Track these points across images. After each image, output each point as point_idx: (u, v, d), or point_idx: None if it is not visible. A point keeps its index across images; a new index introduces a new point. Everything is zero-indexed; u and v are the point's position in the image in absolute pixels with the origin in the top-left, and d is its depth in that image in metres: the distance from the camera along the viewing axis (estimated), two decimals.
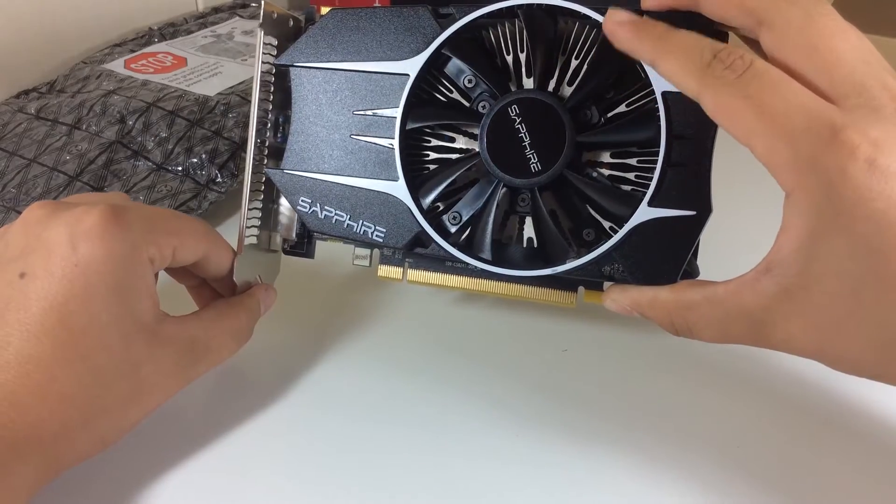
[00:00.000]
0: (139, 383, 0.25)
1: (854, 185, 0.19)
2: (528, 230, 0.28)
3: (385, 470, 0.27)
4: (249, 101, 0.45)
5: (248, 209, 0.29)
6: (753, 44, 0.23)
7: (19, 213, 0.31)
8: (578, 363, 0.33)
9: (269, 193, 0.30)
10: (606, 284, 0.27)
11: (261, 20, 0.28)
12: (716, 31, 0.24)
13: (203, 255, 0.27)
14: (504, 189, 0.27)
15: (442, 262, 0.29)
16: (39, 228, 0.24)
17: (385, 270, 0.30)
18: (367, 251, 0.30)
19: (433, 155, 0.29)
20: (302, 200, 0.28)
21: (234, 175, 0.41)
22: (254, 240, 0.29)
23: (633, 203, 0.25)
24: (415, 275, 0.30)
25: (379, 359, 0.32)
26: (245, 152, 0.29)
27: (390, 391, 0.31)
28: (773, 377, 0.32)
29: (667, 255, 0.25)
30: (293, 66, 0.28)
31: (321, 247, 0.32)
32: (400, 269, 0.30)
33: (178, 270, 0.29)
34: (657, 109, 0.24)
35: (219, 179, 0.41)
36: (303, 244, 0.31)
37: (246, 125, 0.43)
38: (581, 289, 0.28)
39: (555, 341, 0.34)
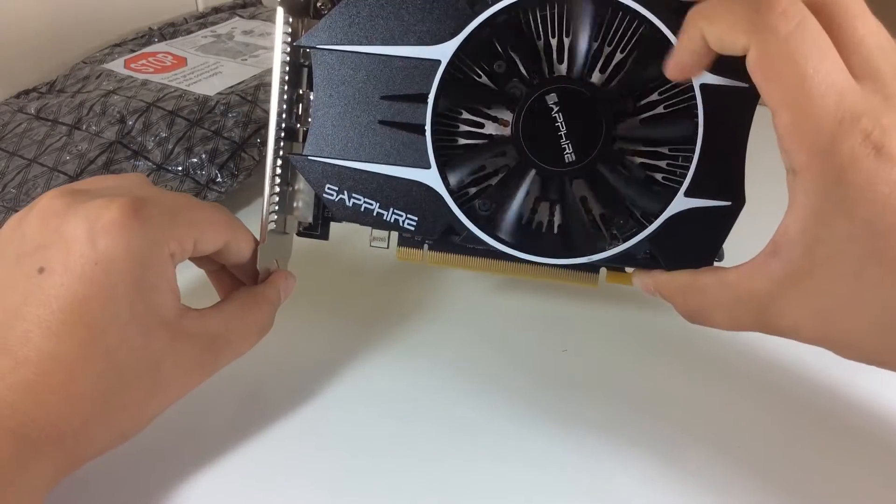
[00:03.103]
0: (160, 379, 0.25)
1: (861, 168, 0.20)
2: (557, 219, 0.28)
3: (381, 466, 0.27)
4: (249, 101, 0.45)
5: (270, 195, 0.28)
6: None
7: None
8: (579, 363, 0.33)
9: (285, 176, 0.29)
10: (632, 273, 0.28)
11: None
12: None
13: (224, 245, 0.27)
14: (536, 176, 0.27)
15: (463, 245, 0.29)
16: (58, 221, 0.23)
17: (404, 252, 0.30)
18: (384, 233, 0.29)
19: (462, 141, 0.28)
20: (328, 188, 0.28)
21: (233, 175, 0.41)
22: (273, 225, 0.29)
23: (664, 198, 0.25)
24: (434, 257, 0.29)
25: (378, 355, 0.32)
26: (266, 139, 0.28)
27: (388, 389, 0.31)
28: (774, 374, 0.32)
29: (701, 245, 0.25)
30: (316, 48, 0.27)
31: (334, 228, 0.31)
32: (420, 252, 0.29)
33: (198, 258, 0.28)
34: (694, 105, 0.25)
35: (219, 179, 0.41)
36: (317, 226, 0.30)
37: (246, 125, 0.42)
38: (603, 270, 0.28)
39: (555, 341, 0.34)
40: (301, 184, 0.30)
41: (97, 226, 0.23)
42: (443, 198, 0.27)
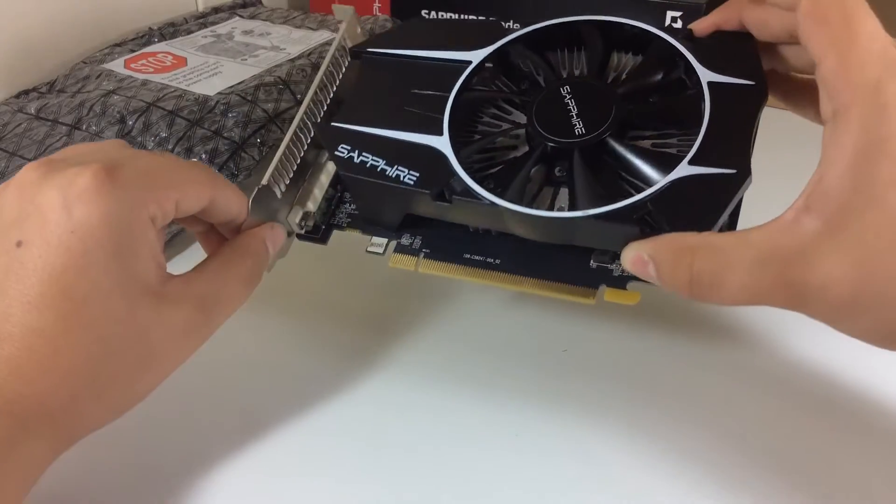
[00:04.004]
0: (150, 349, 0.24)
1: None
2: (560, 201, 0.28)
3: (381, 466, 0.27)
4: (249, 101, 0.45)
5: (284, 151, 0.29)
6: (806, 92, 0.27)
7: None
8: (578, 363, 0.33)
9: (301, 171, 0.30)
10: (630, 284, 0.27)
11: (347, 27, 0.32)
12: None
13: (209, 202, 0.26)
14: (542, 154, 0.28)
15: (459, 255, 0.29)
16: (33, 192, 0.23)
17: (397, 259, 0.30)
18: (383, 240, 0.30)
19: (482, 130, 0.30)
20: (342, 147, 0.29)
21: (234, 175, 0.41)
22: (278, 193, 0.29)
23: (672, 164, 0.26)
24: (428, 265, 0.29)
25: (377, 357, 0.32)
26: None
27: (388, 389, 0.31)
28: (776, 373, 0.32)
29: (703, 209, 0.25)
30: (365, 52, 0.32)
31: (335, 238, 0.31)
32: (413, 259, 0.30)
33: (184, 218, 0.28)
34: (703, 98, 0.26)
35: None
36: (319, 229, 0.31)
37: (246, 125, 0.42)
38: (603, 286, 0.28)
39: (555, 341, 0.34)
40: (317, 189, 0.31)
41: (71, 194, 0.22)
42: (447, 158, 0.28)
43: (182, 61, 0.51)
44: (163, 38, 0.55)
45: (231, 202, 0.27)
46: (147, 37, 0.55)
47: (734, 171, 0.25)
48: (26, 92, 0.49)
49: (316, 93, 0.31)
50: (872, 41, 0.21)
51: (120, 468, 0.27)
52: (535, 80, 0.30)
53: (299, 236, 0.31)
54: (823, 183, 0.21)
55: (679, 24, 0.29)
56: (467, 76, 0.30)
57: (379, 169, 0.28)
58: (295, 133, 0.30)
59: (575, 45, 0.31)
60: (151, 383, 0.25)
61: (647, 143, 0.28)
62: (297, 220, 0.30)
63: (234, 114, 0.43)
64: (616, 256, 0.28)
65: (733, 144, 0.26)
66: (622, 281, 0.27)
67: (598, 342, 0.34)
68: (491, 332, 0.34)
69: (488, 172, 0.29)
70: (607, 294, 0.28)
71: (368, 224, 0.31)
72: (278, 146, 0.29)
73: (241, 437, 0.29)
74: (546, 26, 0.30)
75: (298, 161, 0.30)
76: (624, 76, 0.30)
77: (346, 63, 0.33)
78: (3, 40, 0.49)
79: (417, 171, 0.28)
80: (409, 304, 0.36)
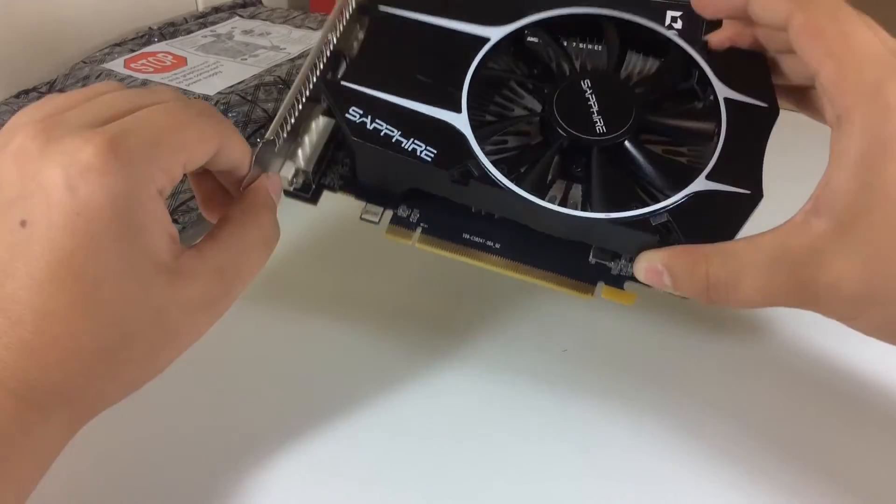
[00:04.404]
0: (166, 327, 0.23)
1: None
2: (573, 197, 0.28)
3: (380, 467, 0.27)
4: (249, 101, 0.45)
5: (288, 107, 0.27)
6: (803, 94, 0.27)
7: None
8: (578, 363, 0.33)
9: (297, 127, 0.28)
10: (627, 284, 0.27)
11: None
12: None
13: (214, 153, 0.25)
14: (561, 148, 0.28)
15: (458, 234, 0.29)
16: (34, 167, 0.22)
17: (394, 231, 0.29)
18: (378, 209, 0.29)
19: (490, 118, 0.30)
20: (353, 109, 0.28)
21: None
22: (280, 141, 0.27)
23: (687, 177, 0.26)
24: (425, 241, 0.29)
25: (374, 352, 0.32)
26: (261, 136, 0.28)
27: (382, 393, 0.31)
28: (777, 373, 0.32)
29: (718, 227, 0.25)
30: (378, 8, 0.30)
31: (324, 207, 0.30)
32: (410, 233, 0.29)
33: None
34: (718, 110, 0.27)
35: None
36: (309, 188, 0.29)
37: (246, 125, 0.42)
38: (601, 284, 0.28)
39: (555, 341, 0.34)
40: (306, 141, 0.29)
41: (74, 171, 0.21)
42: (467, 139, 0.27)
43: (182, 61, 0.51)
44: (163, 37, 0.55)
45: (234, 153, 0.26)
46: (147, 36, 0.55)
47: (749, 192, 0.26)
48: (26, 92, 0.49)
49: (322, 48, 0.29)
50: (869, 46, 0.22)
51: (121, 469, 0.27)
52: (547, 66, 0.30)
53: (288, 193, 0.29)
54: (831, 185, 0.21)
55: (679, 24, 0.29)
56: (485, 55, 0.29)
57: (394, 140, 0.27)
58: (299, 89, 0.28)
59: (588, 37, 0.31)
60: (169, 358, 0.24)
61: (658, 149, 0.28)
62: (290, 177, 0.29)
63: (234, 113, 0.43)
64: (616, 255, 0.28)
65: (747, 165, 0.26)
66: (619, 280, 0.28)
67: (598, 342, 0.34)
68: (491, 332, 0.34)
69: (501, 157, 0.28)
70: (604, 292, 0.28)
71: (365, 191, 0.29)
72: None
73: (248, 435, 0.29)
74: (569, 14, 0.30)
75: (296, 116, 0.28)
76: (636, 77, 0.30)
77: (350, 13, 0.30)
78: (3, 40, 0.49)
79: (435, 148, 0.27)
80: (408, 304, 0.36)
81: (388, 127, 0.27)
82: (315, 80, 0.29)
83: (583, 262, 0.28)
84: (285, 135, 0.28)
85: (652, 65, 0.30)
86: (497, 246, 0.29)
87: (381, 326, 0.34)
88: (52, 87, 0.49)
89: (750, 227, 0.25)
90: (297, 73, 0.29)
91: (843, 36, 0.22)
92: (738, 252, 0.23)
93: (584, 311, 0.35)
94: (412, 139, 0.27)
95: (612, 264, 0.28)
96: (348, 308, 0.35)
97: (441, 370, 0.32)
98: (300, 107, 0.28)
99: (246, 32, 0.57)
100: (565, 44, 0.31)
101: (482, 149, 0.27)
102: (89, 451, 0.24)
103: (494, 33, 0.29)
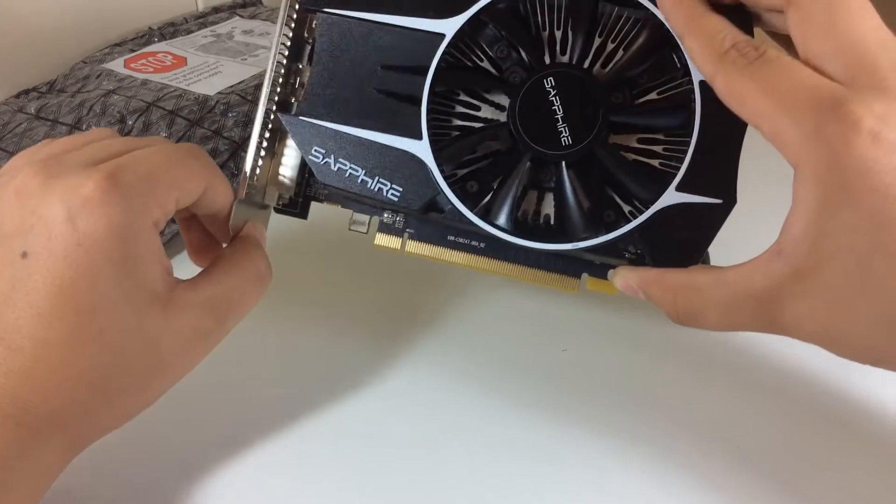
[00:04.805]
0: (159, 357, 0.24)
1: (859, 156, 0.19)
2: (546, 207, 0.28)
3: (379, 467, 0.27)
4: (249, 101, 0.45)
5: (256, 150, 0.27)
6: (783, 40, 0.24)
7: None
8: (578, 363, 0.33)
9: (272, 144, 0.28)
10: (610, 272, 0.27)
11: None
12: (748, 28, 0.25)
13: (203, 192, 0.26)
14: (530, 161, 0.27)
15: (444, 237, 0.29)
16: (35, 202, 0.23)
17: (382, 239, 0.29)
18: (365, 217, 0.29)
19: (457, 122, 0.28)
20: (315, 150, 0.27)
21: (234, 175, 0.41)
22: (253, 187, 0.28)
23: (661, 185, 0.25)
24: (414, 246, 0.29)
25: (372, 351, 0.32)
26: (256, 110, 0.27)
27: (385, 391, 0.31)
28: (776, 373, 0.32)
29: (688, 242, 0.25)
30: (322, 11, 0.27)
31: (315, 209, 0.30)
32: (399, 240, 0.29)
33: None
34: (693, 99, 0.25)
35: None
36: (297, 203, 0.29)
37: (246, 125, 0.42)
38: (585, 275, 0.28)
39: (555, 340, 0.34)
40: (287, 156, 0.29)
41: (75, 205, 0.22)
42: (430, 170, 0.26)
43: (182, 61, 0.51)
44: (163, 37, 0.55)
45: (220, 194, 0.27)
46: (147, 36, 0.55)
47: (720, 200, 0.25)
48: (26, 92, 0.49)
49: (274, 77, 0.28)
50: (796, 91, 0.21)
51: (113, 466, 0.27)
52: (515, 58, 0.27)
53: (277, 210, 0.30)
54: (792, 232, 0.21)
55: None
56: (442, 55, 0.26)
57: (360, 180, 0.27)
58: (261, 133, 0.28)
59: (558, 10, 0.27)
60: (162, 388, 0.25)
61: (633, 140, 0.27)
62: (275, 202, 0.29)
63: (234, 113, 0.43)
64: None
65: (721, 169, 0.25)
66: (603, 269, 0.28)
67: (597, 341, 0.34)
68: (491, 332, 0.34)
69: (471, 169, 0.28)
70: (589, 283, 0.28)
71: (349, 201, 0.29)
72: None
73: (236, 435, 0.29)
74: None
75: (266, 144, 0.28)
76: (604, 56, 0.27)
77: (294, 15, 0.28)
78: (3, 40, 0.49)
79: (400, 186, 0.27)
80: (408, 304, 0.36)
81: (352, 166, 0.27)
82: (274, 110, 0.28)
83: (566, 257, 0.28)
84: (257, 180, 0.28)
85: (627, 16, 0.26)
86: (481, 245, 0.28)
87: (369, 328, 0.34)
88: (52, 86, 0.49)
89: (740, 229, 0.25)
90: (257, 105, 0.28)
91: (766, 89, 0.21)
92: (703, 288, 0.24)
93: (583, 312, 0.35)
94: (377, 178, 0.27)
95: (594, 256, 0.28)
96: (341, 310, 0.35)
97: (439, 370, 0.32)
98: (265, 145, 0.28)
99: (246, 32, 0.57)
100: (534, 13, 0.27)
101: (446, 176, 0.26)
102: None
103: (449, 27, 0.26)
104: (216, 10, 0.61)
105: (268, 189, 0.29)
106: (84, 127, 0.43)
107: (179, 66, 0.50)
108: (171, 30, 0.57)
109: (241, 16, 0.60)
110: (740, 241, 0.26)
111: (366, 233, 0.29)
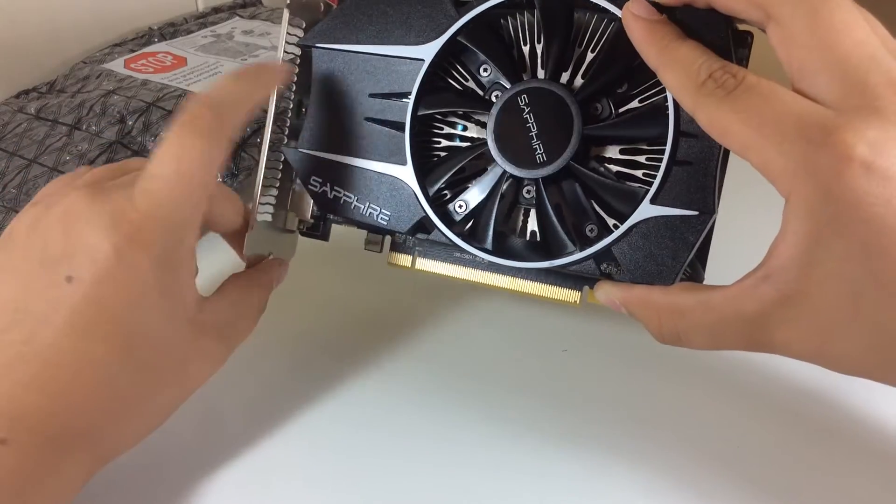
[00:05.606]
0: (186, 376, 0.25)
1: (851, 187, 0.19)
2: (532, 223, 0.28)
3: (379, 469, 0.27)
4: None
5: (262, 186, 0.28)
6: None
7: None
8: (578, 364, 0.33)
9: (287, 173, 0.30)
10: (595, 286, 0.27)
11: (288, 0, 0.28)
12: (737, 31, 0.24)
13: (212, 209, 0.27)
14: (509, 180, 0.27)
15: (451, 254, 0.29)
16: (80, 226, 0.23)
17: (395, 257, 0.30)
18: (378, 237, 0.30)
19: (444, 143, 0.29)
20: (313, 180, 0.29)
21: (234, 175, 0.41)
22: (268, 217, 0.29)
23: (636, 200, 0.25)
24: (424, 263, 0.30)
25: (373, 357, 0.32)
26: (261, 136, 0.29)
27: (385, 393, 0.31)
28: (773, 382, 0.32)
29: (666, 256, 0.25)
30: (315, 47, 0.28)
31: (337, 231, 0.31)
32: (409, 258, 0.30)
33: None
34: (667, 107, 0.24)
35: (218, 179, 0.41)
36: (318, 226, 0.31)
37: (246, 124, 0.42)
38: (586, 288, 0.28)
39: (554, 341, 0.34)
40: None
41: (122, 232, 0.23)
42: (415, 194, 0.27)
43: (182, 61, 0.51)
44: (163, 38, 0.55)
45: (227, 211, 0.28)
46: (147, 37, 0.55)
47: (696, 212, 0.24)
48: (26, 92, 0.49)
49: (277, 107, 0.29)
50: (782, 122, 0.20)
51: (113, 466, 0.27)
52: (489, 65, 0.27)
53: (302, 232, 0.31)
54: (781, 258, 0.21)
55: None
56: (422, 79, 0.27)
57: (353, 206, 0.28)
58: (266, 160, 0.29)
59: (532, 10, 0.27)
60: (175, 406, 0.26)
61: (616, 151, 0.26)
62: (296, 227, 0.31)
63: None
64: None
65: (697, 177, 0.24)
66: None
67: (598, 342, 0.34)
68: (491, 332, 0.34)
69: (458, 189, 0.28)
70: (590, 296, 0.28)
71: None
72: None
73: (236, 435, 0.29)
74: (495, 4, 0.26)
75: (279, 174, 0.29)
76: (584, 67, 0.26)
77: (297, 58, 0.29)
78: (3, 40, 0.49)
79: (388, 210, 0.28)
80: (409, 305, 0.36)
81: (346, 193, 0.28)
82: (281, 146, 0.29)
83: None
84: (270, 216, 0.29)
85: (607, 22, 0.26)
86: (484, 262, 0.28)
87: (376, 333, 0.34)
88: (52, 87, 0.49)
89: (731, 241, 0.25)
90: (260, 147, 0.29)
91: (750, 120, 0.20)
92: (687, 312, 0.23)
93: (583, 312, 0.35)
94: (367, 203, 0.28)
95: (578, 270, 0.27)
96: (350, 317, 0.35)
97: (440, 370, 0.32)
98: (277, 169, 0.29)
99: (246, 33, 0.57)
100: (511, 25, 0.27)
101: (432, 198, 0.27)
102: None
103: (427, 52, 0.27)
104: (216, 10, 0.61)
105: (288, 216, 0.30)
106: (84, 127, 0.43)
107: (179, 66, 0.50)
108: (171, 30, 0.56)
109: (241, 16, 0.60)
110: (735, 253, 0.25)
111: (380, 251, 0.30)
